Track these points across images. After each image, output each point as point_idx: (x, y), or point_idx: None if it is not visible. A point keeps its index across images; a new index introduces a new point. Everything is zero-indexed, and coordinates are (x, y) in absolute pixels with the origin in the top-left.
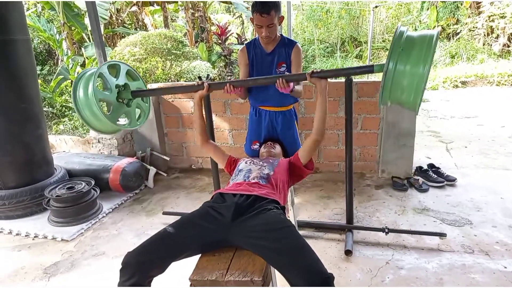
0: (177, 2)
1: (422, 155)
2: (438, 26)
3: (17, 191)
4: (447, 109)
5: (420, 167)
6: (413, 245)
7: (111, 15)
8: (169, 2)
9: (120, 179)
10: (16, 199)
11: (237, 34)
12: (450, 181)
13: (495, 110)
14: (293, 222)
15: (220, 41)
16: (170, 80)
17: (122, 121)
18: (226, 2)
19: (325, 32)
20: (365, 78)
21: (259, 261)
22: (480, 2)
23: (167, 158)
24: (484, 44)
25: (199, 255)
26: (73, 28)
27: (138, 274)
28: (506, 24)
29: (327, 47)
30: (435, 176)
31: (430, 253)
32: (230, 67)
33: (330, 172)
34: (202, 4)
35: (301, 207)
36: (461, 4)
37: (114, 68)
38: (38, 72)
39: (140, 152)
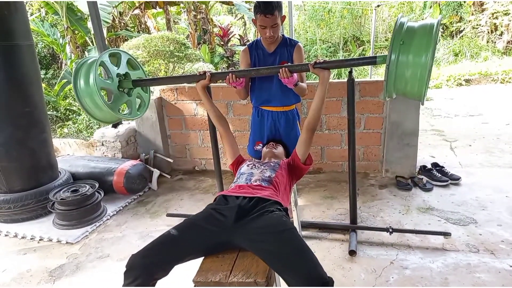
0: (179, 4)
1: (426, 154)
2: (441, 24)
3: (22, 195)
4: (451, 107)
5: (424, 166)
6: (418, 244)
7: (113, 18)
8: (171, 4)
9: (124, 182)
10: (21, 203)
11: (239, 35)
12: (454, 180)
13: (499, 108)
14: (296, 223)
15: (222, 43)
16: None
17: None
18: (228, 4)
19: (327, 32)
20: (367, 77)
21: (262, 262)
22: None
23: (171, 160)
24: (488, 42)
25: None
26: (76, 32)
27: (143, 276)
28: (510, 21)
29: (330, 47)
30: (439, 175)
31: (434, 253)
32: (233, 69)
33: (333, 172)
34: (204, 6)
35: (305, 208)
36: (464, 2)
37: (115, 57)
38: (42, 76)
39: (144, 154)
